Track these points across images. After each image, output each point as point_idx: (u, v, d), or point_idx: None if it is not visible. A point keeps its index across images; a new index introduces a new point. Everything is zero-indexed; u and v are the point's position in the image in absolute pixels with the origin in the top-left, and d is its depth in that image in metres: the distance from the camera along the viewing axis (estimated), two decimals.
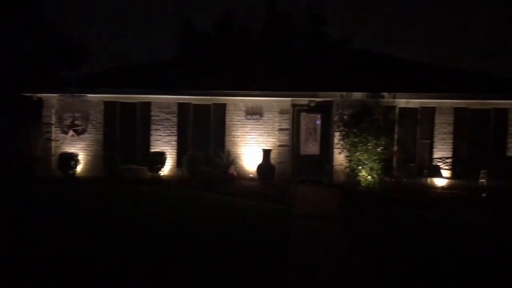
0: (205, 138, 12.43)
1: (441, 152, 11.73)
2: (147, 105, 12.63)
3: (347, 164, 10.96)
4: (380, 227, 7.16)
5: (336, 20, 49.73)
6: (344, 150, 10.92)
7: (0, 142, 13.45)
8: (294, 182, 11.63)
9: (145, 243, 5.89)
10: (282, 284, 4.60)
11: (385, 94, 11.34)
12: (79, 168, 12.56)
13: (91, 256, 5.28)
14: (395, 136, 11.75)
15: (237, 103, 12.29)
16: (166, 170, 12.34)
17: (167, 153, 12.36)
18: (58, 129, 12.87)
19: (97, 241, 5.93)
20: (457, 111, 11.74)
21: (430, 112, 11.82)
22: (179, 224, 6.98)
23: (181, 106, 12.49)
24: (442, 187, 11.30)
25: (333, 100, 11.90)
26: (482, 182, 10.40)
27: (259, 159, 11.84)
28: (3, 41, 21.23)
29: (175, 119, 12.51)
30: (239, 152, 12.31)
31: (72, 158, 12.26)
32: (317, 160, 12.44)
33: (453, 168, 11.46)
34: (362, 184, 10.47)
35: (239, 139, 12.32)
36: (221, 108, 12.40)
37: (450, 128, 11.75)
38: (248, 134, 12.29)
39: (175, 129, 12.52)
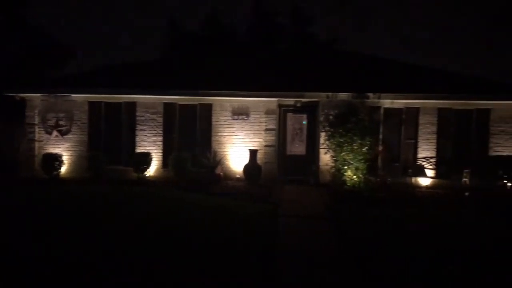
0: (191, 139, 12.38)
1: (425, 152, 11.86)
2: (132, 105, 12.53)
3: (333, 164, 11.02)
4: (366, 226, 7.20)
5: (323, 20, 50.03)
6: (330, 150, 10.97)
7: None
8: (281, 182, 11.66)
9: (123, 244, 5.84)
10: (269, 283, 4.61)
11: (370, 94, 11.44)
12: (63, 169, 12.41)
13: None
14: (380, 136, 11.86)
15: (223, 103, 12.27)
16: (152, 170, 12.27)
17: (152, 154, 12.28)
18: (42, 129, 12.71)
19: (60, 242, 5.84)
20: (441, 111, 11.88)
21: (414, 112, 11.95)
22: (161, 225, 6.93)
23: (167, 106, 12.43)
24: (427, 187, 11.43)
25: (319, 100, 11.96)
26: (465, 181, 10.55)
27: (245, 159, 11.83)
28: None
29: (160, 119, 12.43)
30: (225, 153, 12.29)
31: (56, 159, 12.11)
32: (303, 160, 12.49)
33: (437, 168, 11.59)
34: (348, 184, 10.53)
35: (225, 139, 12.30)
36: (208, 109, 12.36)
37: (434, 128, 11.90)
38: (235, 134, 12.28)
39: (161, 129, 12.44)
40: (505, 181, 10.68)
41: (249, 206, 8.62)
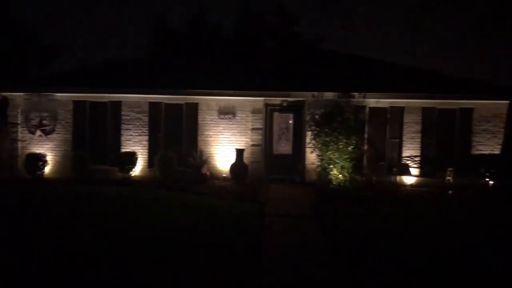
0: (178, 138, 12.33)
1: (410, 150, 12.01)
2: (117, 104, 12.42)
3: (319, 163, 11.08)
4: (351, 225, 7.26)
5: (310, 20, 50.22)
6: (316, 149, 11.04)
7: None
8: (267, 182, 11.68)
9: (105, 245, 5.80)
10: (255, 281, 4.62)
11: (356, 94, 11.53)
12: (47, 169, 12.24)
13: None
14: (366, 135, 11.96)
15: (209, 102, 12.25)
16: (137, 170, 12.18)
17: (138, 153, 12.19)
18: (25, 129, 12.51)
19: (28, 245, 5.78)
20: (425, 110, 12.05)
21: (399, 112, 12.09)
22: (145, 225, 6.89)
23: (153, 105, 12.35)
24: (411, 185, 11.58)
25: (305, 100, 12.01)
26: (449, 179, 10.72)
27: (232, 158, 11.82)
28: None
29: (146, 119, 12.35)
30: (212, 152, 12.27)
31: (39, 159, 11.94)
32: (289, 159, 12.54)
33: (422, 166, 11.75)
34: (334, 183, 10.61)
35: (212, 138, 12.28)
36: (194, 108, 12.32)
37: (418, 127, 12.05)
38: (221, 133, 12.27)
39: (147, 128, 12.36)
40: (487, 179, 10.88)
41: (235, 206, 8.62)
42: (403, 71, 14.09)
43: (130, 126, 12.39)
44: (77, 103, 12.49)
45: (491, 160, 11.03)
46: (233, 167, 11.63)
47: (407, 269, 5.05)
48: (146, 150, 12.34)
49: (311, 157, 11.59)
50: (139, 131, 12.37)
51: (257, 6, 28.61)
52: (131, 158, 11.94)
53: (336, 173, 10.63)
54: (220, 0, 41.87)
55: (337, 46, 38.00)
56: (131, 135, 12.39)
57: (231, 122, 12.23)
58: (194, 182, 11.09)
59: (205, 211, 7.95)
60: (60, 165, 12.37)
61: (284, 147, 12.71)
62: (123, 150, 12.28)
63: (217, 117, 12.25)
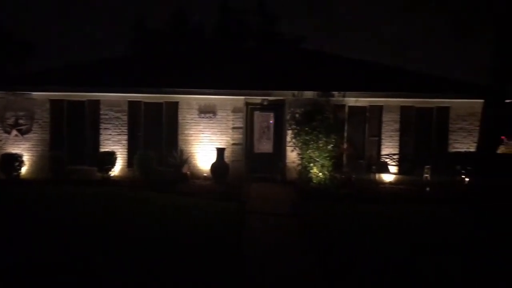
0: (157, 137, 12.22)
1: (389, 149, 12.18)
2: (96, 103, 12.25)
3: (300, 162, 11.16)
4: (330, 222, 7.34)
5: (290, 19, 50.41)
6: (297, 148, 11.10)
7: None
8: (248, 180, 11.69)
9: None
10: (237, 278, 4.63)
11: (335, 93, 11.62)
12: (24, 170, 11.99)
13: None
14: (345, 134, 12.07)
15: (190, 101, 12.18)
16: (116, 170, 12.04)
17: (117, 153, 12.05)
18: (0, 128, 12.23)
19: None
20: (403, 109, 12.23)
21: (378, 111, 12.25)
22: (124, 226, 6.83)
23: (132, 104, 12.21)
24: (390, 183, 11.75)
25: (285, 99, 12.06)
26: (426, 177, 10.90)
27: (213, 158, 11.78)
28: None
29: (125, 118, 12.21)
30: (192, 151, 12.21)
31: (16, 159, 11.68)
32: (270, 158, 12.56)
33: (400, 164, 11.93)
34: (314, 181, 10.70)
35: (192, 137, 12.22)
36: (174, 107, 12.24)
37: (397, 126, 12.23)
38: (202, 132, 12.22)
39: (126, 128, 12.22)
40: (463, 176, 11.11)
41: (215, 205, 8.61)
42: (382, 70, 14.27)
43: (109, 126, 12.23)
44: (54, 102, 12.26)
45: (467, 157, 11.26)
46: (214, 166, 11.60)
47: (386, 268, 5.13)
48: (126, 150, 12.21)
49: (292, 155, 11.65)
50: (118, 130, 12.23)
51: (237, 5, 28.53)
52: (110, 158, 11.79)
53: (316, 172, 10.71)
54: None
55: (317, 46, 38.29)
56: (110, 134, 12.24)
57: (211, 121, 12.20)
58: (175, 181, 11.00)
59: (185, 211, 7.92)
60: (37, 165, 12.13)
61: (265, 146, 12.74)
62: (102, 150, 12.11)
63: (197, 116, 12.20)
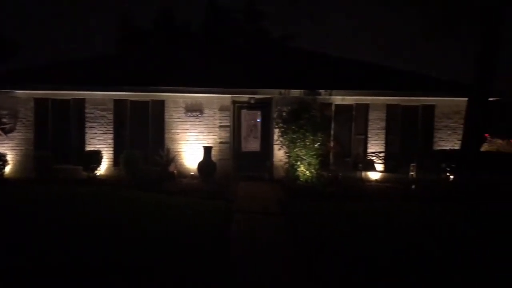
0: (144, 136, 12.14)
1: (375, 147, 12.27)
2: (81, 101, 12.12)
3: (287, 160, 11.19)
4: (316, 220, 7.35)
5: (277, 18, 50.46)
6: (284, 146, 11.13)
7: None
8: (236, 179, 11.68)
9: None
10: (223, 277, 4.62)
11: (322, 91, 11.65)
12: (7, 169, 11.83)
13: None
14: (332, 132, 12.13)
15: (176, 99, 12.11)
16: (102, 169, 11.93)
17: (103, 152, 11.95)
18: None
19: None
20: (389, 107, 12.32)
21: (364, 109, 12.32)
22: (110, 225, 6.77)
23: (118, 102, 12.11)
24: (376, 180, 11.84)
25: (272, 97, 12.07)
26: (412, 174, 11.00)
27: (200, 156, 11.75)
28: None
29: (111, 116, 12.10)
30: (179, 150, 12.15)
31: None
32: (258, 156, 12.57)
33: (386, 162, 12.02)
34: (301, 179, 10.73)
35: (179, 136, 12.16)
36: (160, 105, 12.16)
37: (383, 124, 12.32)
38: (188, 131, 12.17)
39: (112, 126, 12.12)
40: (447, 174, 11.22)
41: (202, 204, 8.56)
42: (369, 68, 14.35)
43: (94, 124, 12.12)
44: (38, 101, 12.10)
45: (452, 155, 11.37)
46: (201, 165, 11.56)
47: (372, 267, 5.16)
48: (112, 149, 12.10)
49: (279, 154, 11.67)
50: (104, 129, 12.12)
51: (225, 3, 28.42)
52: (96, 157, 11.68)
53: (303, 170, 10.75)
54: None
55: (304, 44, 38.39)
56: (96, 133, 12.12)
57: (198, 120, 12.15)
58: (161, 180, 10.95)
59: (171, 210, 7.87)
60: (21, 164, 11.97)
61: (252, 144, 12.73)
62: (87, 149, 12.00)
63: (184, 115, 12.14)
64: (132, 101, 12.15)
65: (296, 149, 10.74)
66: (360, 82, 12.78)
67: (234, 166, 12.37)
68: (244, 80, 12.44)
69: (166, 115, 12.14)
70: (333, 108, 12.21)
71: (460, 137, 11.66)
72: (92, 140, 12.11)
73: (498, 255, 5.59)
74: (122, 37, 28.17)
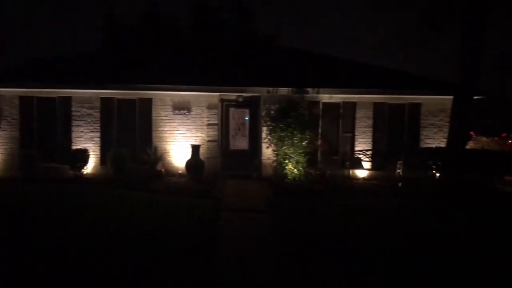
0: (131, 134, 12.05)
1: (362, 144, 12.35)
2: (67, 100, 11.99)
3: (275, 158, 11.22)
4: (304, 218, 7.40)
5: (265, 16, 50.43)
6: (272, 145, 11.16)
7: None
8: (224, 177, 11.67)
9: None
10: (210, 275, 4.62)
11: (309, 89, 11.70)
12: None
13: None
14: (319, 130, 12.18)
15: (164, 98, 12.05)
16: (89, 168, 11.83)
17: (90, 150, 11.84)
18: None
19: None
20: (376, 105, 12.41)
21: (351, 107, 12.39)
22: (91, 225, 6.72)
23: (104, 101, 12.00)
24: (363, 178, 11.93)
25: (260, 95, 12.08)
26: (399, 172, 11.11)
27: (188, 154, 11.71)
28: None
29: (98, 115, 11.99)
30: (167, 148, 12.10)
31: None
32: (246, 154, 12.57)
33: (373, 160, 12.11)
34: (289, 177, 10.78)
35: (166, 134, 12.10)
36: (147, 103, 12.09)
37: (370, 122, 12.41)
38: (176, 129, 12.12)
39: (98, 125, 12.01)
40: (433, 171, 11.36)
41: (190, 202, 8.55)
42: (356, 67, 14.42)
43: (81, 123, 12.00)
44: (23, 99, 11.95)
45: (438, 153, 11.50)
46: (188, 163, 11.53)
47: (359, 265, 5.21)
48: (98, 147, 12.00)
49: (267, 152, 11.69)
50: (91, 127, 12.01)
51: (213, 1, 28.24)
52: (83, 155, 11.57)
53: (291, 168, 10.79)
54: None
55: (292, 43, 38.45)
56: (82, 131, 12.01)
57: (186, 118, 12.10)
58: (149, 179, 10.89)
59: (159, 209, 7.85)
60: (6, 163, 11.82)
61: (240, 143, 12.73)
62: (74, 147, 11.88)
63: (171, 113, 12.08)
64: (119, 99, 12.05)
65: (284, 147, 10.77)
66: (347, 80, 12.83)
67: (222, 164, 12.36)
68: (232, 78, 12.42)
69: (154, 113, 12.08)
70: (320, 106, 12.26)
71: (446, 135, 11.80)
72: (78, 139, 12.00)
73: (472, 251, 5.68)
74: (109, 34, 27.88)
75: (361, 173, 11.99)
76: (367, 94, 12.20)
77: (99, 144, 12.01)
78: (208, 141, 12.14)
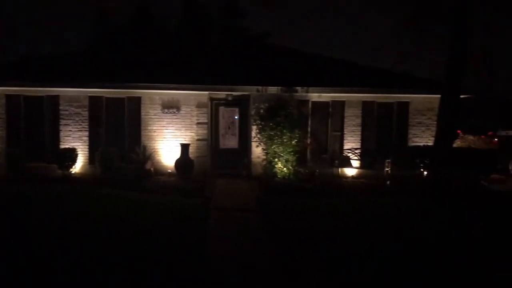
0: (120, 133, 11.99)
1: (351, 143, 12.44)
2: (55, 98, 11.88)
3: (264, 157, 11.24)
4: (292, 217, 7.43)
5: (255, 15, 50.39)
6: (261, 143, 11.17)
7: None
8: (214, 176, 11.66)
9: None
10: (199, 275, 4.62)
11: (299, 88, 11.74)
12: None
13: None
14: (309, 129, 12.24)
15: (153, 96, 12.00)
16: (78, 167, 11.74)
17: (78, 150, 11.74)
18: None
19: None
20: (365, 104, 12.50)
21: (340, 106, 12.46)
22: (77, 226, 6.68)
23: (93, 99, 11.92)
24: (352, 176, 12.01)
25: (250, 94, 12.09)
26: (387, 170, 11.20)
27: (177, 153, 11.67)
28: None
29: (86, 114, 11.91)
30: (156, 147, 12.06)
31: None
32: (236, 153, 12.58)
33: (362, 158, 12.19)
34: (279, 176, 10.81)
35: (156, 133, 12.06)
36: (136, 102, 12.03)
37: (359, 121, 12.49)
38: (165, 128, 12.08)
39: (87, 124, 11.93)
40: (421, 170, 11.48)
41: (180, 201, 8.51)
42: (345, 66, 14.48)
43: (69, 122, 11.90)
44: (10, 98, 11.81)
45: (426, 151, 11.63)
46: (178, 162, 11.50)
47: (346, 265, 5.25)
48: (87, 146, 11.92)
49: (257, 151, 11.70)
50: (79, 126, 11.92)
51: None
52: (71, 155, 11.48)
53: (280, 166, 10.83)
54: None
55: (282, 41, 38.40)
56: (71, 130, 11.92)
57: (175, 117, 12.07)
58: (138, 178, 10.83)
59: (147, 209, 7.81)
60: None
61: (230, 142, 12.73)
62: (62, 147, 11.78)
63: (160, 112, 12.04)
64: (107, 98, 11.98)
65: (274, 146, 10.80)
66: (336, 79, 12.89)
67: (212, 163, 12.35)
68: (221, 77, 12.40)
69: (143, 112, 12.03)
70: (310, 105, 12.32)
71: (433, 133, 11.92)
72: (66, 138, 11.90)
73: (460, 249, 5.77)
74: (97, 32, 27.67)
75: (350, 172, 12.07)
76: (355, 93, 12.29)
77: (87, 143, 11.93)
78: (198, 140, 12.13)
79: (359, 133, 12.50)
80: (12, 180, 10.66)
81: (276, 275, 4.78)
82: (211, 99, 12.36)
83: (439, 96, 10.87)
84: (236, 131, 12.71)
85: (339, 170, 11.94)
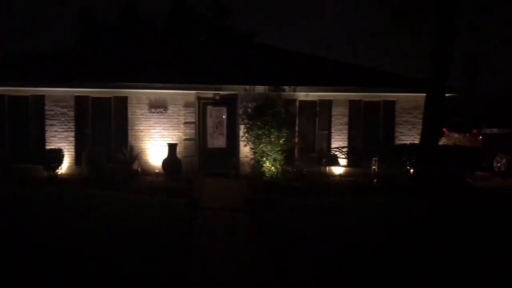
0: (106, 133, 11.89)
1: (338, 142, 12.52)
2: (40, 98, 11.75)
3: (252, 156, 11.25)
4: (280, 216, 7.45)
5: (243, 14, 50.38)
6: (249, 143, 11.19)
7: None
8: (202, 176, 11.66)
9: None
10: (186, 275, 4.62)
11: (286, 87, 11.78)
12: None
13: None
14: (296, 128, 12.29)
15: (139, 96, 11.93)
16: (64, 168, 11.62)
17: (64, 150, 11.63)
18: None
19: None
20: (352, 103, 12.58)
21: (327, 105, 12.53)
22: (63, 227, 6.61)
23: (79, 99, 11.80)
24: (340, 175, 12.09)
25: (237, 93, 12.09)
26: (374, 169, 11.30)
27: (164, 153, 11.62)
28: None
29: (72, 114, 11.79)
30: (143, 147, 11.99)
31: None
32: (224, 153, 12.57)
33: (349, 157, 12.29)
34: (267, 175, 10.83)
35: (143, 133, 11.99)
36: (123, 101, 11.95)
37: (346, 120, 12.58)
38: (153, 128, 12.02)
39: (73, 124, 11.81)
40: (408, 167, 11.60)
41: (167, 202, 8.48)
42: (332, 65, 14.58)
43: (55, 122, 11.77)
44: None
45: (412, 149, 11.75)
46: (165, 162, 11.45)
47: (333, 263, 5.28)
48: (73, 147, 11.81)
49: (245, 150, 11.71)
50: (65, 126, 11.80)
51: None
52: (57, 155, 11.36)
53: (268, 166, 10.85)
54: None
55: (269, 41, 38.44)
56: (56, 131, 11.79)
57: (162, 116, 12.02)
58: (125, 178, 10.75)
59: (134, 209, 7.75)
60: None
61: (218, 141, 12.72)
62: (48, 147, 11.65)
63: (147, 111, 11.98)
64: (93, 98, 11.87)
65: (262, 145, 10.81)
66: (323, 78, 12.96)
67: (199, 163, 12.33)
68: (209, 76, 12.38)
69: (129, 112, 11.95)
70: (297, 104, 12.36)
71: (419, 131, 12.06)
72: (52, 138, 11.77)
73: (446, 244, 5.85)
74: (83, 31, 27.37)
75: (337, 170, 12.15)
76: (342, 92, 12.36)
77: (73, 144, 11.82)
78: (185, 139, 12.09)
79: (346, 131, 12.59)
80: None
81: (263, 274, 4.79)
82: (199, 98, 12.33)
83: (424, 94, 11.01)
84: (224, 130, 12.70)
85: (327, 168, 12.01)
